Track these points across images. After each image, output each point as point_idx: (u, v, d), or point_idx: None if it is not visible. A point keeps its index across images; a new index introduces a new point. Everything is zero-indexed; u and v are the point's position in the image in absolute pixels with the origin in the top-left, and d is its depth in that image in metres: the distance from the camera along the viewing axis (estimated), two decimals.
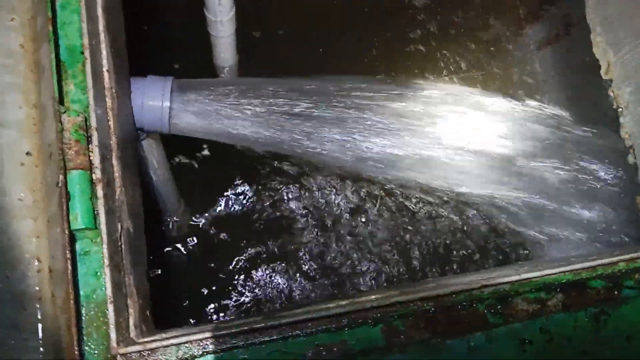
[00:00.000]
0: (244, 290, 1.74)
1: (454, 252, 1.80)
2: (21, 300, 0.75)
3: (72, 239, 0.77)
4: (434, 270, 1.78)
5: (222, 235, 1.79)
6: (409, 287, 0.90)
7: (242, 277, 1.76)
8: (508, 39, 2.19)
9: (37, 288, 0.76)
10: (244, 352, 0.76)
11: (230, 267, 1.76)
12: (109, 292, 0.73)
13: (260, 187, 1.83)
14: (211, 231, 1.80)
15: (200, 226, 1.80)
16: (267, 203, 1.83)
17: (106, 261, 0.74)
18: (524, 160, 1.34)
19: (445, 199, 1.81)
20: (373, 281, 1.76)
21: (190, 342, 0.75)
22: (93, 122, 0.78)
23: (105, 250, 0.74)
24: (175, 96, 1.17)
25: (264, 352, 0.76)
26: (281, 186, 1.83)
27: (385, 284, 1.76)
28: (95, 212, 0.78)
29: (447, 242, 1.80)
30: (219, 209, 1.82)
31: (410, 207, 1.82)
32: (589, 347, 0.84)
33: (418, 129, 1.26)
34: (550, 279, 0.86)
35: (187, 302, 1.72)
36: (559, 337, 0.83)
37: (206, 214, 1.81)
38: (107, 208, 0.77)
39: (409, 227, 1.81)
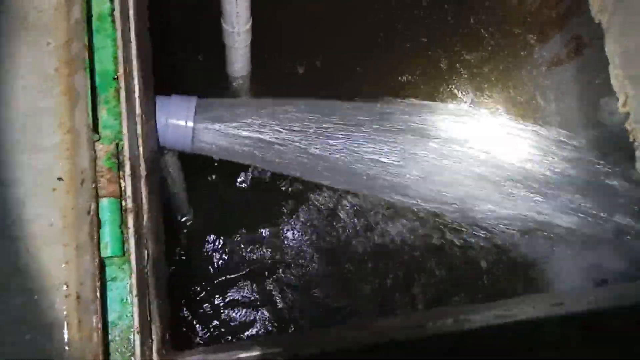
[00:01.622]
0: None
1: None
2: (49, 326, 0.76)
3: (102, 267, 0.78)
4: None
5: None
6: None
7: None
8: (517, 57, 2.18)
9: (65, 313, 0.77)
10: None
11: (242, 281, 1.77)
12: (135, 322, 0.74)
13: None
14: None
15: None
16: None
17: (134, 291, 0.75)
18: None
19: None
20: None
21: None
22: (126, 151, 0.79)
23: (133, 281, 0.75)
24: (199, 116, 1.18)
25: None
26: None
27: None
28: (124, 240, 0.79)
29: None
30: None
31: None
32: None
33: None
34: None
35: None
36: None
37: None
38: (136, 237, 0.78)
39: None
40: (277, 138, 1.15)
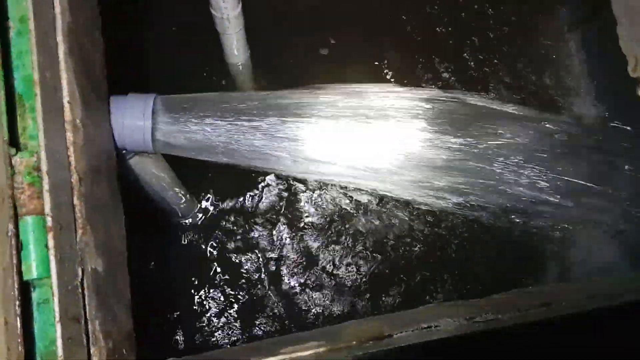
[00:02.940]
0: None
1: None
2: None
3: (26, 290, 0.73)
4: None
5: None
6: None
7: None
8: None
9: None
10: None
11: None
12: (59, 350, 0.68)
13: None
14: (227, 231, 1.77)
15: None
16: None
17: (57, 316, 0.70)
18: None
19: None
20: None
21: None
22: (43, 165, 0.73)
23: (55, 305, 0.70)
24: (159, 114, 1.11)
25: None
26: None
27: None
28: None
29: None
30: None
31: None
32: None
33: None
34: None
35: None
36: None
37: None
38: (59, 257, 0.72)
39: None
40: (235, 131, 1.08)
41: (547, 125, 1.28)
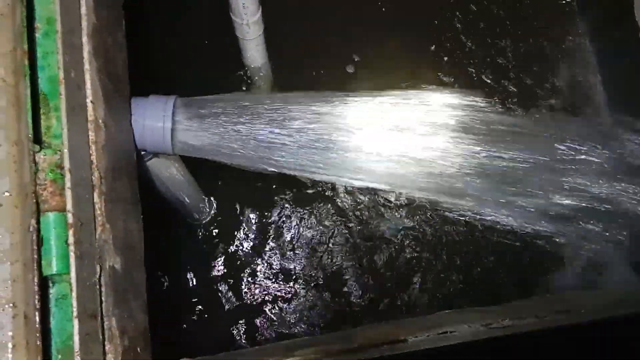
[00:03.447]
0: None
1: None
2: None
3: (45, 285, 0.74)
4: None
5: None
6: None
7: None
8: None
9: (11, 334, 0.73)
10: None
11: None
12: (76, 345, 0.69)
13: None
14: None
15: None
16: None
17: (75, 311, 0.71)
18: None
19: None
20: None
21: None
22: (66, 161, 0.75)
23: (74, 300, 0.71)
24: (179, 116, 1.12)
25: None
26: None
27: None
28: None
29: None
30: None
31: None
32: None
33: None
34: None
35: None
36: None
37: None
38: (79, 253, 0.73)
39: None
40: (257, 135, 1.09)
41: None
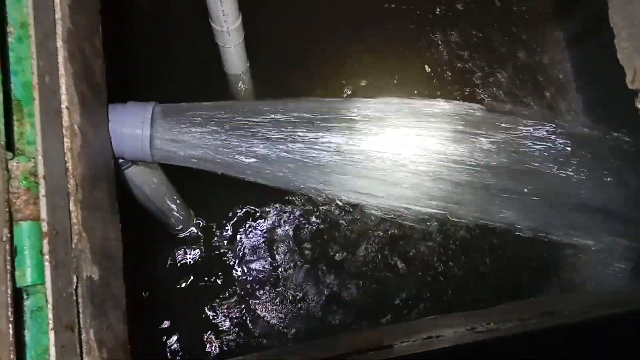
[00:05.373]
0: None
1: None
2: None
3: (20, 297, 0.71)
4: None
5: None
6: None
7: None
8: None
9: None
10: None
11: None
12: (52, 359, 0.67)
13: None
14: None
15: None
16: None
17: (50, 323, 0.68)
18: None
19: None
20: None
21: None
22: (40, 170, 0.72)
23: (49, 312, 0.69)
24: (158, 122, 1.10)
25: None
26: None
27: None
28: None
29: None
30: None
31: None
32: None
33: None
34: None
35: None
36: None
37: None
38: (54, 263, 0.71)
39: None
40: (232, 143, 1.07)
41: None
